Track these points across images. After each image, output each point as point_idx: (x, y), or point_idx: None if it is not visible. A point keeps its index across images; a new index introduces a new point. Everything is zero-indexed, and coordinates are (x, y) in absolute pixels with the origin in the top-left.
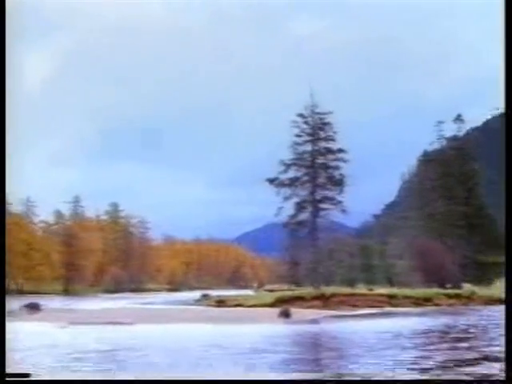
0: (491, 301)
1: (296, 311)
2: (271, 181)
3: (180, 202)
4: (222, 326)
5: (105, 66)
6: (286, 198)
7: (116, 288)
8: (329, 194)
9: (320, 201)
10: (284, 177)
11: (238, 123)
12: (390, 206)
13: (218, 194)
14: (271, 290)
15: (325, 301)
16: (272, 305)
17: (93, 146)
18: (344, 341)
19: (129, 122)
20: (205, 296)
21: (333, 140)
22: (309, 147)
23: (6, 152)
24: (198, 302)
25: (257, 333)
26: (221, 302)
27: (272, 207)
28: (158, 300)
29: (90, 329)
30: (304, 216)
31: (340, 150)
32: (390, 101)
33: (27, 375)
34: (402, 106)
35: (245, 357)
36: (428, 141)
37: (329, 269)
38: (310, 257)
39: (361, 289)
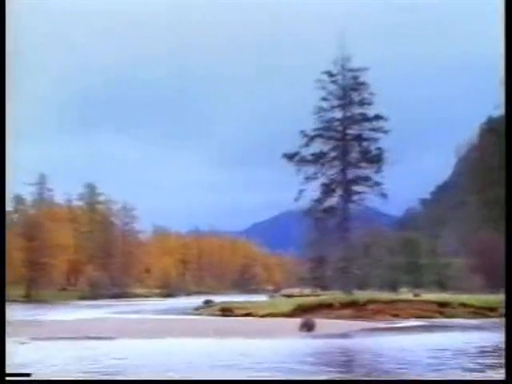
0: None
1: (322, 322)
2: (290, 157)
3: (174, 185)
4: (230, 341)
5: (86, 28)
6: (309, 179)
7: (93, 293)
8: (364, 173)
9: (353, 182)
10: (306, 152)
11: (247, 84)
12: (443, 189)
13: (222, 175)
14: (290, 296)
15: (358, 309)
16: (291, 314)
17: (64, 114)
18: (393, 360)
19: (112, 87)
20: (207, 303)
21: (369, 104)
22: (338, 114)
23: (5, 151)
24: (198, 310)
25: (273, 350)
26: (227, 311)
27: (291, 190)
28: (148, 308)
29: (60, 345)
30: (332, 201)
31: (378, 117)
32: (441, 56)
33: (27, 375)
34: (457, 61)
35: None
36: (493, 104)
37: (364, 269)
38: (339, 253)
39: (405, 294)
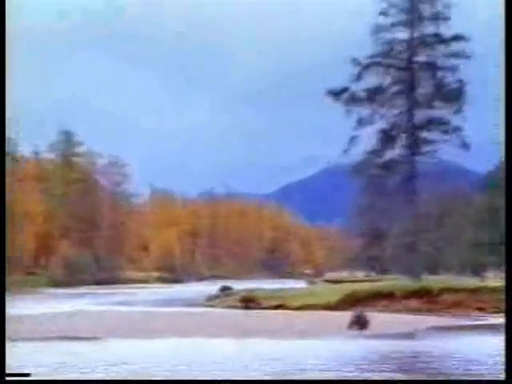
0: None
1: (379, 318)
2: (336, 93)
3: (179, 133)
4: (254, 343)
5: None
6: (363, 123)
7: (71, 278)
8: (438, 114)
9: (422, 126)
10: (359, 86)
11: None
12: None
13: (243, 117)
14: (336, 282)
15: (430, 300)
16: (338, 306)
17: (31, 36)
18: (493, 367)
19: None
20: (224, 290)
21: (445, 20)
22: (403, 34)
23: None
24: (212, 300)
25: (314, 354)
26: (251, 302)
27: (337, 139)
28: (145, 298)
29: (29, 348)
30: (394, 153)
31: (457, 38)
32: None
33: (27, 375)
34: None
35: None
36: None
37: (437, 246)
38: (403, 225)
39: (493, 280)
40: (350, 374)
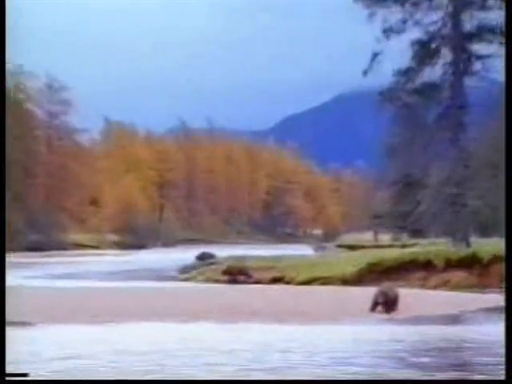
0: None
1: (412, 295)
2: None
3: (143, 41)
4: (246, 328)
5: None
6: (391, 32)
7: None
8: (494, 18)
9: (472, 36)
10: None
11: None
12: None
13: (230, 24)
14: (355, 247)
15: (480, 271)
16: (356, 280)
17: None
18: None
19: None
20: (204, 259)
21: None
22: None
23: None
24: (187, 272)
25: (326, 345)
26: (240, 274)
27: (355, 54)
28: (96, 269)
29: None
30: (433, 74)
31: None
32: None
33: (27, 375)
34: None
35: None
36: None
37: (489, 199)
38: (445, 171)
39: None
40: (394, 372)
